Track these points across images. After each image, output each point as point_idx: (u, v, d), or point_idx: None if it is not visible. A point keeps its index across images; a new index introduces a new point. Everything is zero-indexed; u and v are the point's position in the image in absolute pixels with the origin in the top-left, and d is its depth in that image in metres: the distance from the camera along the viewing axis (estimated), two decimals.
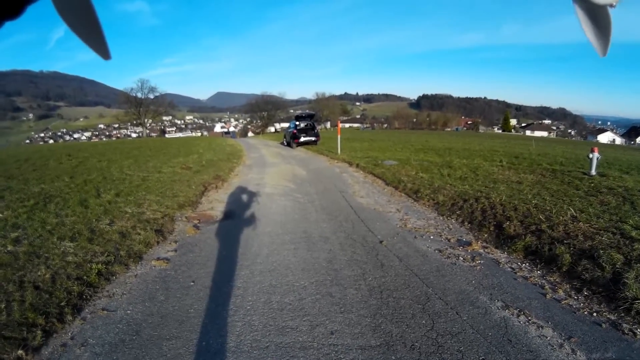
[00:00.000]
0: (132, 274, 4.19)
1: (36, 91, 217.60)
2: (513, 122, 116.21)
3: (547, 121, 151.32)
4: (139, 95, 64.14)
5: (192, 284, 3.88)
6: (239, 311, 3.28)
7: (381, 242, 4.98)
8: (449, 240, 5.00)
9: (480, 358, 2.58)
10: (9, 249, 4.51)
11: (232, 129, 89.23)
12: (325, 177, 10.75)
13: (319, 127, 26.56)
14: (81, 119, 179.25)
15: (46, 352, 2.79)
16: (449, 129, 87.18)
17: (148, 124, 68.78)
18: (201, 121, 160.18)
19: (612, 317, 3.05)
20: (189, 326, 3.06)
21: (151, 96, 65.11)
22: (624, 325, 2.92)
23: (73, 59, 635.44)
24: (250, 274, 4.10)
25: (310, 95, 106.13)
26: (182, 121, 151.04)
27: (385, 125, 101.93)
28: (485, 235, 5.18)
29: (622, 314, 3.06)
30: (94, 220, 5.81)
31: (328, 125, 75.63)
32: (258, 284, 3.84)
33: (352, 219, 6.18)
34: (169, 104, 71.77)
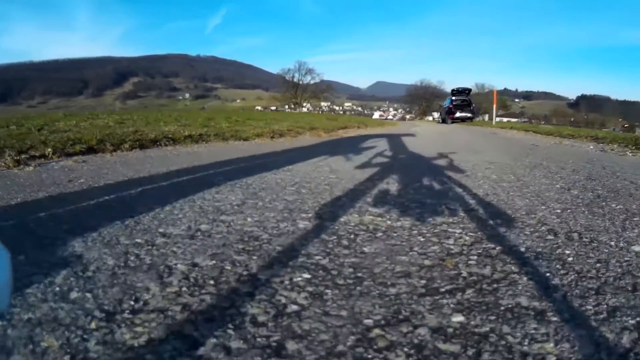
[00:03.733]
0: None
1: (193, 73, 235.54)
2: None
3: None
4: (296, 75, 66.03)
5: None
6: None
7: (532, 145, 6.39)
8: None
9: None
10: None
11: (390, 117, 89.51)
12: (480, 132, 11.91)
13: (477, 119, 26.02)
14: (238, 100, 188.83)
15: None
16: (606, 129, 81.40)
17: (305, 108, 70.46)
18: (360, 109, 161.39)
19: None
20: None
21: (309, 77, 66.75)
22: None
23: (231, 44, 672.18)
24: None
25: (469, 86, 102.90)
26: (340, 107, 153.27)
27: (543, 122, 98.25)
28: None
29: None
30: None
31: (486, 117, 73.33)
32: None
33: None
34: (328, 86, 72.93)
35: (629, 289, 1.29)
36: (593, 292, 1.26)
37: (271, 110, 56.10)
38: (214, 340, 0.94)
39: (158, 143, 4.81)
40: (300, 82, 66.74)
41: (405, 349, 0.93)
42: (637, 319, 1.08)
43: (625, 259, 1.57)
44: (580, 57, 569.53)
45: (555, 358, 0.90)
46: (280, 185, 2.91)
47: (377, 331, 1.01)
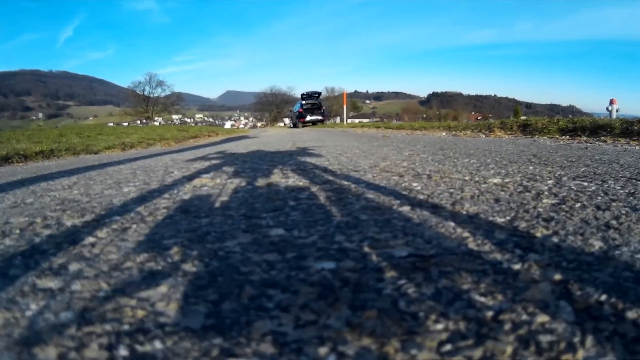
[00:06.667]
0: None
1: (45, 90, 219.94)
2: (523, 118, 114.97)
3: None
4: (147, 88, 63.24)
5: None
6: None
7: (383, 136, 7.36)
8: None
9: None
10: None
11: (241, 126, 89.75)
12: (331, 132, 11.83)
13: (328, 122, 26.15)
14: (90, 118, 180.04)
15: None
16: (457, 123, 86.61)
17: (157, 122, 67.50)
18: (211, 120, 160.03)
19: None
20: None
21: (159, 90, 64.12)
22: None
23: (82, 58, 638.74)
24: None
25: (319, 90, 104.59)
26: (192, 119, 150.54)
27: (395, 120, 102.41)
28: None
29: None
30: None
31: (337, 120, 75.51)
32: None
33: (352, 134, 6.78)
34: (178, 97, 70.24)
35: (492, 201, 1.45)
36: (449, 204, 1.42)
37: (123, 125, 53.49)
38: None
39: (10, 160, 4.71)
40: (151, 95, 63.92)
41: None
42: (507, 217, 1.21)
43: (483, 186, 1.74)
44: (429, 57, 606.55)
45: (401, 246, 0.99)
46: (117, 172, 2.94)
47: (175, 249, 1.09)
